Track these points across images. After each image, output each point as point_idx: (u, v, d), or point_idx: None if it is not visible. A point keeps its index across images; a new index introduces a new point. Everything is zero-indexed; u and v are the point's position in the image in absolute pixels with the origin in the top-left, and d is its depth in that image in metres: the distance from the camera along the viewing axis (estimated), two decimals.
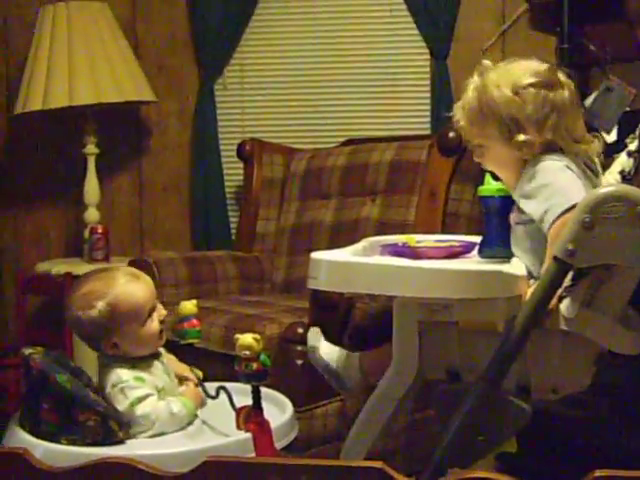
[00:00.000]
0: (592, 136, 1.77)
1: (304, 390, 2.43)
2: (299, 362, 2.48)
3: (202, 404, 1.81)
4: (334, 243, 2.83)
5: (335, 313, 2.48)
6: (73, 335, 3.23)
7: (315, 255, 1.71)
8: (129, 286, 1.79)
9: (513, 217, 1.79)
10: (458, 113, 1.86)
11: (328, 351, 1.96)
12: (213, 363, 2.30)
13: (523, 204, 1.72)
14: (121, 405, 1.71)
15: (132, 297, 1.77)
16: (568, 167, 1.70)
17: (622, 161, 1.56)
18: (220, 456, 1.40)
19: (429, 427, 2.54)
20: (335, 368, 1.94)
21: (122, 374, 1.75)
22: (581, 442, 2.03)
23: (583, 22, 3.26)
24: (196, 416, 1.78)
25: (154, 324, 1.80)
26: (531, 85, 1.76)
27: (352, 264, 1.65)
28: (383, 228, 2.95)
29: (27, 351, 1.75)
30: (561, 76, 1.80)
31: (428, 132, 3.53)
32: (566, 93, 1.77)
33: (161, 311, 1.83)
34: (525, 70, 1.79)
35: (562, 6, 3.23)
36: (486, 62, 1.84)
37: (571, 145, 1.75)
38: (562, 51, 3.27)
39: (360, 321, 2.51)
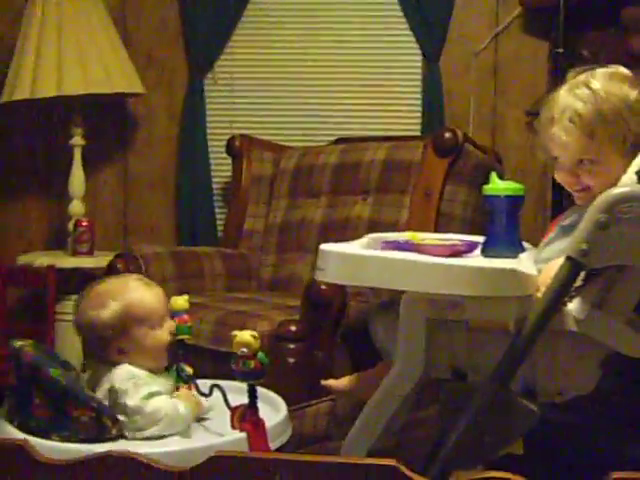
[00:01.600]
0: None
1: (295, 389, 2.39)
2: (291, 360, 2.45)
3: (201, 409, 1.77)
4: (324, 242, 2.78)
5: (329, 311, 2.46)
6: (55, 329, 3.20)
7: (325, 247, 1.69)
8: (143, 291, 1.78)
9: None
10: (563, 127, 1.74)
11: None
12: (202, 360, 2.27)
13: None
14: (132, 399, 1.66)
15: (145, 301, 1.76)
16: None
17: (638, 162, 1.55)
18: (228, 451, 1.37)
19: (420, 429, 2.52)
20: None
21: (134, 370, 1.71)
22: (579, 448, 2.01)
23: (577, 28, 3.26)
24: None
25: (164, 334, 1.76)
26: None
27: (363, 257, 1.63)
28: (374, 227, 2.92)
29: (17, 343, 1.69)
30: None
31: (418, 133, 3.52)
32: None
33: (171, 324, 1.79)
34: (629, 78, 1.75)
35: (558, 11, 3.22)
36: (577, 73, 1.78)
37: None
38: (556, 56, 3.27)
39: (353, 319, 2.49)
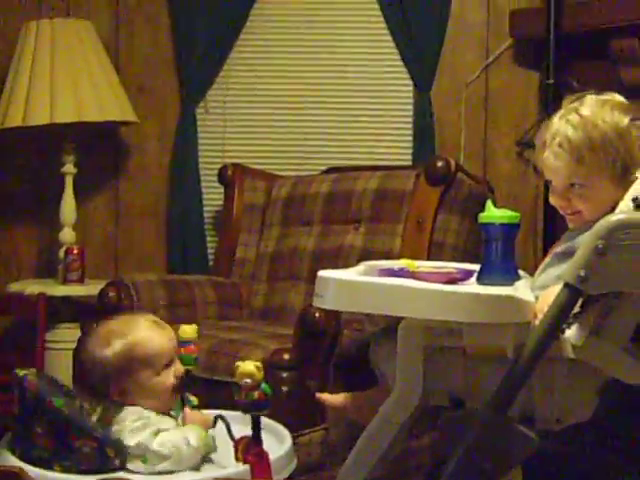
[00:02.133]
0: None
1: (289, 417, 2.37)
2: (284, 389, 2.44)
3: (207, 426, 1.75)
4: (316, 271, 2.79)
5: (322, 339, 2.45)
6: (45, 358, 3.17)
7: (323, 273, 1.68)
8: (151, 331, 1.74)
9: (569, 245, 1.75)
10: (553, 152, 1.78)
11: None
12: (196, 389, 2.25)
13: None
14: (139, 435, 1.64)
15: (152, 342, 1.73)
16: None
17: (636, 188, 1.56)
18: None
19: (413, 459, 2.51)
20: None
21: (143, 411, 1.69)
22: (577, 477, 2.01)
23: (567, 59, 3.29)
24: (213, 447, 1.72)
25: (169, 378, 1.74)
26: (634, 119, 1.75)
27: (361, 283, 1.62)
28: (367, 256, 2.91)
29: (21, 372, 1.69)
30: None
31: (409, 163, 3.53)
32: None
33: (178, 366, 1.76)
34: (621, 105, 1.78)
35: (547, 42, 3.25)
36: (572, 99, 1.81)
37: None
38: (546, 87, 3.30)
39: (347, 348, 2.48)
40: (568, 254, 1.68)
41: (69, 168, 3.47)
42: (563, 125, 1.77)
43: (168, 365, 1.74)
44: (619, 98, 1.81)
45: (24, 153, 3.70)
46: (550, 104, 3.26)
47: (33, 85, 3.29)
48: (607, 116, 1.75)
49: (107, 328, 1.74)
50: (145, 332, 1.73)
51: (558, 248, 1.79)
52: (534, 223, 3.46)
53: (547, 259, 1.87)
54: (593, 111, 1.76)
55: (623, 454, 2.08)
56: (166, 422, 1.70)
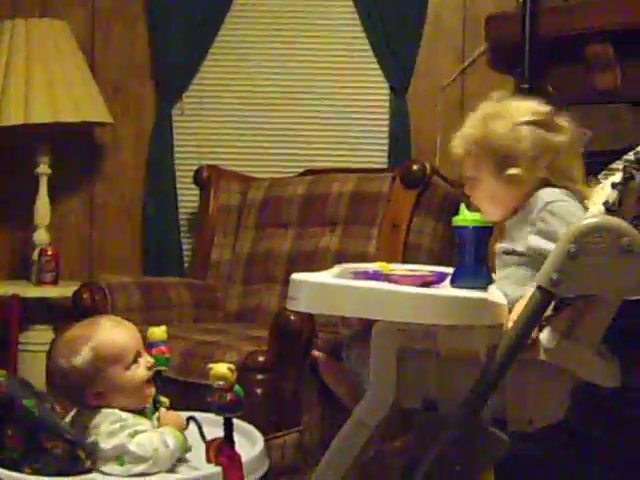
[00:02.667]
0: (590, 184, 1.80)
1: (263, 420, 2.37)
2: (259, 391, 2.44)
3: (182, 427, 1.74)
4: (291, 273, 2.79)
5: (297, 341, 2.45)
6: (18, 359, 3.16)
7: (296, 276, 1.68)
8: (112, 330, 1.74)
9: (502, 246, 1.79)
10: (456, 141, 1.88)
11: None
12: (169, 390, 2.24)
13: (539, 242, 1.71)
14: (117, 438, 1.64)
15: (115, 340, 1.72)
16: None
17: (607, 192, 1.57)
18: None
19: (393, 459, 2.51)
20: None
21: (120, 413, 1.68)
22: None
23: (542, 64, 3.31)
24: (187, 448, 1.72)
25: (140, 370, 1.73)
26: (528, 123, 1.79)
27: (335, 286, 1.62)
28: (342, 259, 2.91)
29: None
30: (561, 121, 1.83)
31: (385, 166, 3.55)
32: (563, 137, 1.81)
33: (148, 358, 1.76)
34: (525, 108, 1.83)
35: (523, 47, 3.27)
36: (494, 95, 1.88)
37: (567, 184, 1.77)
38: (522, 91, 3.31)
39: (322, 350, 2.47)
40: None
41: (44, 169, 3.46)
42: (468, 119, 1.87)
43: (136, 360, 1.74)
44: (532, 103, 1.85)
45: None
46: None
47: (7, 85, 3.28)
48: (504, 113, 1.81)
49: (69, 337, 1.73)
50: (107, 332, 1.73)
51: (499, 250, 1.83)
52: None
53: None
54: (494, 108, 1.84)
55: (594, 455, 2.10)
56: (143, 424, 1.69)
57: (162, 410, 1.76)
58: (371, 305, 1.58)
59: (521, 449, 1.73)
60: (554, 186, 1.78)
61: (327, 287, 1.63)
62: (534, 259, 1.70)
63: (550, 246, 1.60)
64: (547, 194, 1.75)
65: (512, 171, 1.78)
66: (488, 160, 1.81)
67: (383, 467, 2.32)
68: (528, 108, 1.83)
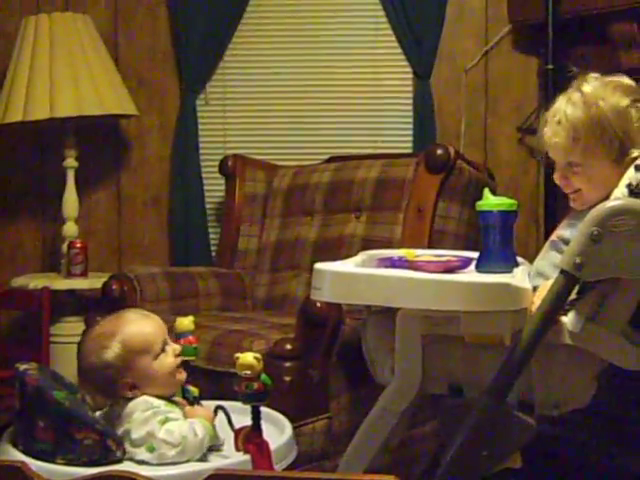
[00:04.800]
0: None
1: (292, 407, 2.38)
2: (287, 379, 2.44)
3: (211, 419, 1.76)
4: (318, 260, 2.79)
5: (324, 329, 2.46)
6: (50, 351, 3.19)
7: (319, 266, 1.69)
8: (138, 322, 1.78)
9: (561, 234, 1.76)
10: (555, 127, 1.80)
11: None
12: (198, 379, 2.26)
13: None
14: (149, 424, 1.66)
15: (142, 331, 1.76)
16: None
17: (630, 175, 1.56)
18: (225, 469, 1.37)
19: (416, 445, 2.52)
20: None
21: (152, 400, 1.71)
22: (578, 461, 2.01)
23: (566, 44, 3.28)
24: (217, 439, 1.73)
25: (169, 358, 1.77)
26: (634, 102, 1.75)
27: (357, 275, 1.63)
28: (368, 245, 2.93)
29: (22, 367, 1.70)
30: None
31: (410, 151, 3.54)
32: None
33: (174, 346, 1.80)
34: (625, 86, 1.78)
35: (547, 27, 3.25)
36: (583, 77, 1.83)
37: None
38: (546, 72, 3.29)
39: (349, 338, 2.48)
40: (564, 242, 1.70)
41: (70, 162, 3.48)
42: (564, 103, 1.79)
43: (163, 348, 1.77)
44: (624, 80, 1.81)
45: (25, 148, 3.71)
46: (550, 89, 3.25)
47: (32, 80, 3.29)
48: (608, 96, 1.76)
49: (97, 333, 1.77)
50: (133, 324, 1.76)
51: (554, 235, 1.80)
52: (535, 209, 3.46)
53: (545, 245, 1.88)
54: (594, 90, 1.78)
55: (624, 438, 2.09)
56: (175, 412, 1.72)
57: (187, 408, 1.77)
58: (394, 293, 1.59)
59: (549, 430, 1.73)
60: None
61: (350, 276, 1.63)
62: None
63: None
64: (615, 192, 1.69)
65: (636, 153, 1.71)
66: (603, 145, 1.74)
67: (411, 453, 2.33)
68: (625, 87, 1.77)
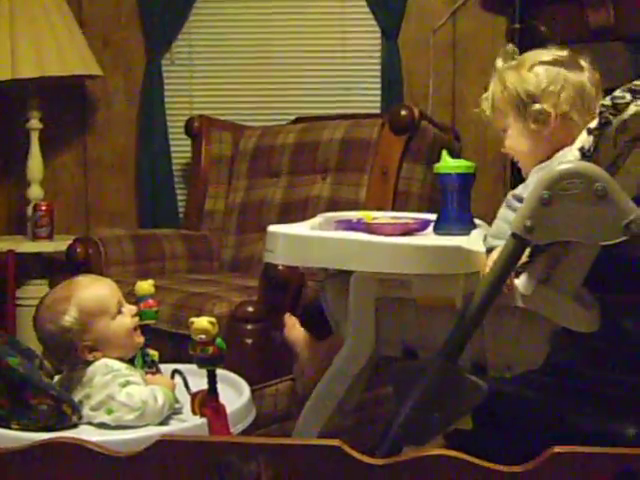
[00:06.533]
0: None
1: (254, 369, 2.39)
2: (249, 341, 2.45)
3: (172, 388, 1.77)
4: (284, 221, 2.78)
5: (286, 291, 2.46)
6: (16, 315, 3.18)
7: (272, 228, 1.68)
8: (91, 285, 1.78)
9: (515, 192, 1.78)
10: (483, 104, 1.91)
11: None
12: (161, 342, 2.25)
13: None
14: (109, 388, 1.67)
15: (96, 293, 1.76)
16: None
17: (582, 138, 1.55)
18: (174, 435, 1.37)
19: (379, 406, 2.53)
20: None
21: (113, 363, 1.71)
22: (532, 421, 2.03)
23: (534, 3, 3.26)
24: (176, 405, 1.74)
25: (126, 319, 1.77)
26: (546, 62, 1.79)
27: (310, 238, 1.62)
28: (334, 206, 2.92)
29: None
30: (582, 61, 1.82)
31: (378, 111, 3.52)
32: (585, 75, 1.79)
33: (130, 307, 1.80)
34: (541, 52, 1.83)
35: None
36: (508, 49, 1.89)
37: (589, 121, 1.74)
38: (513, 31, 3.27)
39: (311, 300, 2.49)
40: (518, 199, 1.71)
41: (34, 123, 3.44)
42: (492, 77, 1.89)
43: (120, 310, 1.77)
44: (556, 48, 1.84)
45: None
46: (518, 49, 3.23)
47: None
48: (522, 62, 1.82)
49: (51, 300, 1.76)
50: (86, 287, 1.76)
51: (509, 194, 1.81)
52: (503, 170, 3.46)
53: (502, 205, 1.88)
54: (518, 59, 1.84)
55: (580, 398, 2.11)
56: (136, 376, 1.72)
57: (148, 376, 1.77)
58: (347, 256, 1.58)
59: (499, 388, 1.74)
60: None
61: (302, 239, 1.63)
62: None
63: None
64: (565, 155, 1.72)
65: (535, 107, 1.76)
66: (511, 108, 1.81)
67: (372, 415, 2.34)
68: (543, 52, 1.82)
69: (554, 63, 1.79)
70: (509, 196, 1.78)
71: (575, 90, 1.78)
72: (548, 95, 1.77)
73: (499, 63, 1.87)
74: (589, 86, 1.79)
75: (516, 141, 1.83)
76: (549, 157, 1.78)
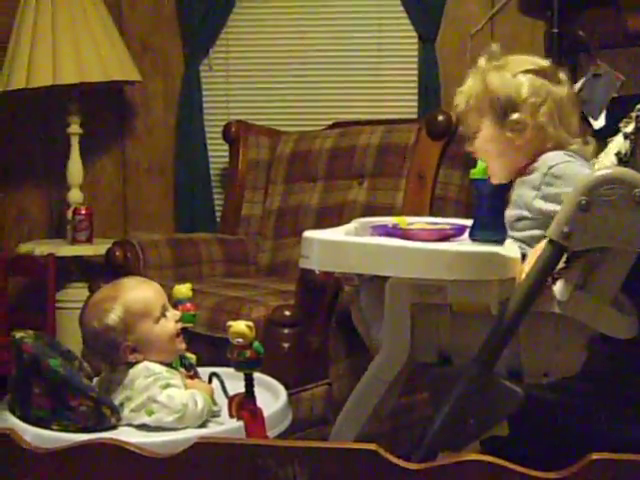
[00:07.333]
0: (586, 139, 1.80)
1: (291, 373, 2.40)
2: (285, 345, 2.46)
3: (210, 394, 1.78)
4: (320, 226, 2.80)
5: (323, 296, 2.46)
6: (56, 318, 3.22)
7: (307, 234, 1.69)
8: (137, 287, 1.80)
9: (512, 214, 1.78)
10: (458, 97, 1.89)
11: None
12: (199, 346, 2.27)
13: (546, 206, 1.71)
14: (150, 390, 1.68)
15: (142, 295, 1.78)
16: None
17: (619, 143, 1.55)
18: (211, 437, 1.38)
19: (416, 412, 2.53)
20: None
21: (154, 367, 1.73)
22: (568, 428, 2.02)
23: (573, 7, 3.24)
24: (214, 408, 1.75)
25: (169, 323, 1.78)
26: (530, 71, 1.81)
27: (345, 243, 1.63)
28: (370, 211, 2.93)
29: (18, 335, 1.71)
30: (561, 74, 1.84)
31: (415, 116, 3.51)
32: (564, 89, 1.82)
33: (174, 312, 1.81)
34: (525, 60, 1.85)
35: None
36: (493, 49, 1.87)
37: (564, 137, 1.76)
38: (551, 36, 3.26)
39: (348, 304, 2.49)
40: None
41: (74, 129, 3.49)
42: (471, 72, 1.88)
43: (164, 314, 1.78)
44: (537, 57, 1.87)
45: (30, 115, 3.72)
46: (556, 53, 3.22)
47: (35, 46, 3.29)
48: (505, 65, 1.83)
49: (97, 300, 1.78)
50: (132, 289, 1.78)
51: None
52: None
53: None
54: (500, 60, 1.85)
55: (619, 406, 2.09)
56: (177, 379, 1.73)
57: (188, 380, 1.79)
58: (382, 262, 1.58)
59: (537, 395, 1.73)
60: (555, 149, 1.76)
61: (337, 244, 1.63)
62: (545, 222, 1.68)
63: (558, 208, 1.59)
64: (550, 157, 1.74)
65: (514, 116, 1.77)
66: (489, 111, 1.81)
67: (409, 420, 2.34)
68: (528, 60, 1.84)
69: (538, 73, 1.81)
70: (509, 219, 1.80)
71: (555, 104, 1.80)
72: (529, 106, 1.79)
73: (482, 61, 1.87)
74: (567, 101, 1.81)
75: (487, 144, 1.84)
76: (519, 165, 1.80)
